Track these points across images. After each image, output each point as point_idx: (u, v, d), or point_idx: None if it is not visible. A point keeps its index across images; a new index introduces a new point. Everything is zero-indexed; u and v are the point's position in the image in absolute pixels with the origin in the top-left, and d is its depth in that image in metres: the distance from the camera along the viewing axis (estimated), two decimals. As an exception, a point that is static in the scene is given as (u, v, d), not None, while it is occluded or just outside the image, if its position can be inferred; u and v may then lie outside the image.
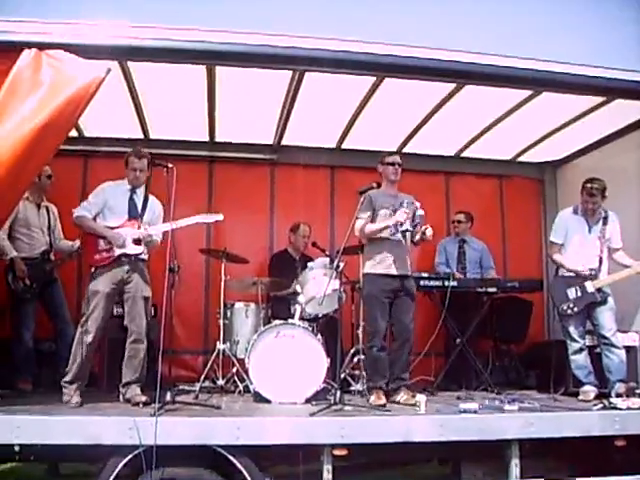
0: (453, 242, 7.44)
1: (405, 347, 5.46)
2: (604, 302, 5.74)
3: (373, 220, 5.50)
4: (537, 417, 4.68)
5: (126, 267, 5.15)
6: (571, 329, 5.82)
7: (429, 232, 5.36)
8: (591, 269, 5.78)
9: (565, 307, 5.83)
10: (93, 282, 5.06)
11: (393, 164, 5.60)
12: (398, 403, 5.24)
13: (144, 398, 4.83)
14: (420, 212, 5.35)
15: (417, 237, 5.46)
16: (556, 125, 6.91)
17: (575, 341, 5.81)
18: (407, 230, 5.34)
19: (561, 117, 6.68)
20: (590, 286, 5.73)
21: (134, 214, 5.27)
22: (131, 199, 5.31)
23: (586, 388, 5.69)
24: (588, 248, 5.86)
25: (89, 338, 4.96)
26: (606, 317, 5.73)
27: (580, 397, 5.64)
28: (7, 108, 4.41)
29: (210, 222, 5.54)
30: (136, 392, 4.97)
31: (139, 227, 5.22)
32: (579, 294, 5.78)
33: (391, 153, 5.82)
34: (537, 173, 8.31)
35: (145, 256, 5.30)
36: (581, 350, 5.80)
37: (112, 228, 5.16)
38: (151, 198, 5.42)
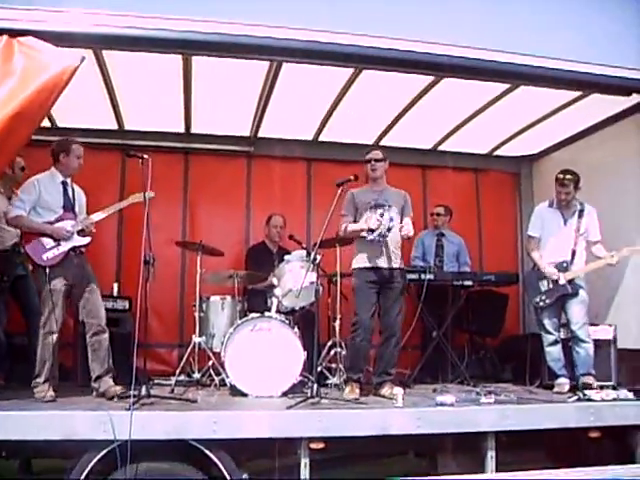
0: (431, 235, 7.45)
1: (391, 341, 5.43)
2: (576, 294, 5.78)
3: (356, 219, 5.49)
4: (513, 409, 4.72)
5: (75, 260, 5.06)
6: (545, 321, 5.87)
7: (404, 231, 5.34)
8: (563, 261, 5.82)
9: (538, 300, 5.87)
10: (49, 282, 4.89)
11: (369, 161, 5.57)
12: (383, 397, 5.22)
13: (118, 388, 4.77)
14: (390, 215, 5.26)
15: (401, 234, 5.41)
16: (532, 119, 6.94)
17: (549, 333, 5.86)
18: (380, 236, 5.27)
19: (537, 111, 6.71)
20: (561, 278, 5.77)
21: (68, 207, 5.16)
22: (65, 191, 5.19)
23: (560, 380, 5.75)
24: (562, 241, 5.90)
25: (53, 338, 4.87)
26: (575, 310, 5.78)
27: (555, 389, 5.71)
28: (-22, 97, 4.31)
29: (143, 201, 5.08)
30: (109, 384, 4.91)
31: (75, 219, 5.12)
32: (551, 286, 5.83)
33: (371, 148, 5.78)
34: (513, 167, 8.35)
35: (84, 249, 5.20)
36: (555, 342, 5.85)
37: (50, 223, 5.04)
38: (76, 188, 5.33)
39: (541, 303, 5.85)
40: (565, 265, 5.82)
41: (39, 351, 4.88)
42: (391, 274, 5.42)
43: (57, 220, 5.06)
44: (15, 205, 5.05)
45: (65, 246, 5.01)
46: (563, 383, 5.71)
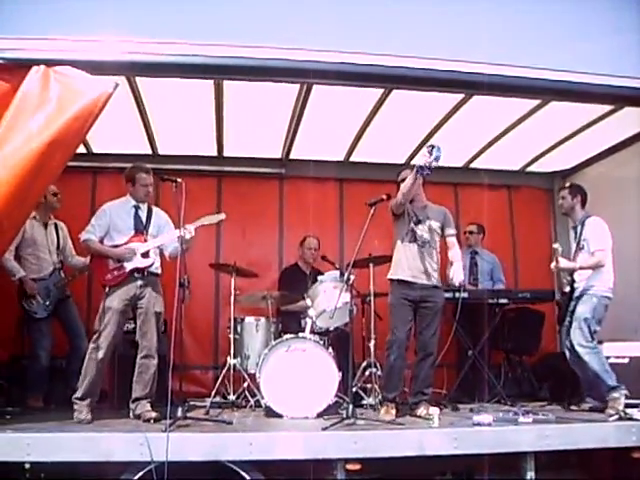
0: (465, 254, 7.37)
1: (426, 361, 5.36)
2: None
3: (399, 234, 5.44)
4: (552, 429, 4.64)
5: (139, 282, 5.15)
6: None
7: (456, 278, 5.40)
8: None
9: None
10: (106, 299, 5.05)
11: (402, 180, 5.48)
12: (419, 417, 5.16)
13: (154, 414, 4.82)
14: (435, 154, 4.79)
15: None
16: (565, 134, 6.88)
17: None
18: (429, 166, 4.83)
19: (569, 126, 6.65)
20: None
21: (140, 229, 5.28)
22: (136, 214, 5.32)
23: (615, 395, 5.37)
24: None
25: (100, 354, 4.95)
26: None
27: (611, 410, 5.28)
28: (16, 125, 4.43)
29: (215, 223, 5.49)
30: (146, 408, 4.95)
31: (145, 240, 5.23)
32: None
33: (402, 169, 5.72)
34: (546, 183, 8.26)
35: (158, 270, 5.31)
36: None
37: (119, 246, 5.16)
38: (155, 210, 5.44)
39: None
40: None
41: (84, 365, 4.98)
42: (429, 291, 5.38)
43: (128, 241, 5.19)
44: (86, 230, 5.22)
45: (127, 267, 5.11)
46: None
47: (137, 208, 5.33)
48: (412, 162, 5.17)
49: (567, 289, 5.72)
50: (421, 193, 5.58)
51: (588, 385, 5.59)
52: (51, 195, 5.99)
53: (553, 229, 8.18)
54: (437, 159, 4.77)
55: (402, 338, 5.29)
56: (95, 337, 4.99)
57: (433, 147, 4.76)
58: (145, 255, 5.19)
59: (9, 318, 5.94)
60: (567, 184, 5.88)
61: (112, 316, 5.00)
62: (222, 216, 5.44)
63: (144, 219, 5.34)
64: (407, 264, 5.36)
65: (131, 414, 5.01)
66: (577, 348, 5.46)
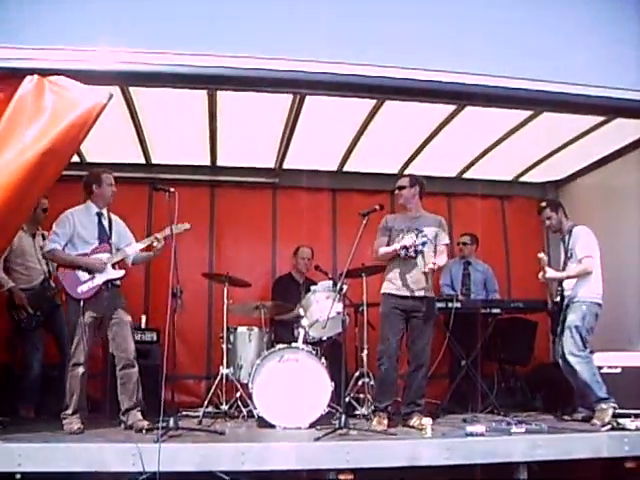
0: (458, 264, 7.43)
1: (419, 372, 5.36)
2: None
3: (389, 243, 5.46)
4: (545, 439, 4.64)
5: (106, 294, 5.09)
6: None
7: (435, 265, 5.33)
8: None
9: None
10: (76, 313, 4.94)
11: (393, 191, 5.60)
12: (411, 427, 5.15)
13: (146, 423, 4.79)
14: (422, 240, 5.22)
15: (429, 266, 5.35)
16: (557, 145, 6.92)
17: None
18: (416, 252, 5.23)
19: (562, 137, 6.68)
20: None
21: (104, 237, 5.22)
22: (100, 222, 5.25)
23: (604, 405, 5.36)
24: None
25: (81, 370, 4.91)
26: None
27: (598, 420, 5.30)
28: (10, 135, 4.43)
29: (179, 232, 5.25)
30: (137, 417, 4.93)
31: (111, 250, 5.19)
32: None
33: (401, 175, 5.78)
34: (539, 193, 8.28)
35: (119, 282, 5.24)
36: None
37: (83, 255, 5.09)
38: (113, 217, 5.39)
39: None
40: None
41: (67, 383, 4.93)
42: (421, 302, 5.38)
43: (93, 252, 5.13)
44: (50, 239, 5.13)
45: (100, 279, 5.05)
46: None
47: (100, 215, 5.26)
48: (401, 243, 5.26)
49: (557, 299, 5.73)
50: (416, 203, 5.60)
51: (580, 394, 5.60)
52: (41, 210, 5.95)
53: (546, 239, 8.18)
54: (423, 244, 5.19)
55: (393, 348, 5.29)
56: (72, 354, 4.92)
57: (421, 234, 5.24)
58: (113, 266, 5.16)
59: (1, 328, 5.91)
60: (543, 204, 5.88)
61: (86, 331, 4.92)
62: (187, 226, 5.32)
63: (107, 227, 5.28)
64: (398, 276, 5.37)
65: (122, 426, 4.99)
66: (568, 357, 5.47)
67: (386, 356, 5.28)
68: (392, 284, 5.39)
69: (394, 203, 5.72)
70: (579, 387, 5.52)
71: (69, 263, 5.07)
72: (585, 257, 5.60)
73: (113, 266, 5.16)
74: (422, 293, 5.38)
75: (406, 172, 7.55)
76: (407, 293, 5.35)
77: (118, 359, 5.06)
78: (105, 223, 5.28)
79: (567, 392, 5.94)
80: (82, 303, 4.95)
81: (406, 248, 5.22)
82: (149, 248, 5.28)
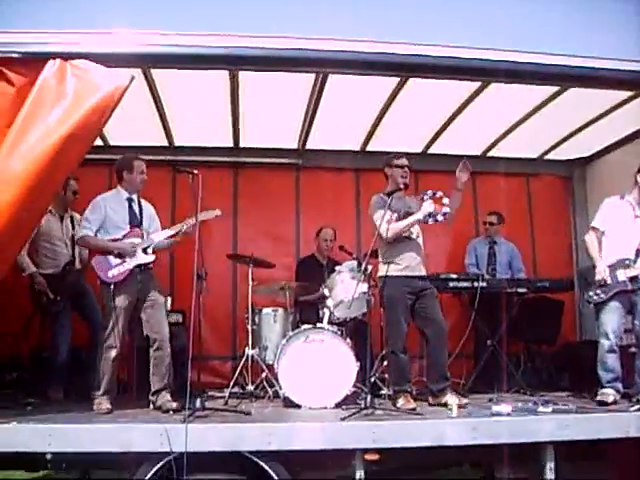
0: (483, 243, 7.37)
1: (441, 343, 5.33)
2: None
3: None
4: (572, 419, 4.59)
5: (139, 277, 5.13)
6: (604, 323, 5.40)
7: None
8: (626, 259, 5.43)
9: (591, 293, 5.45)
10: (112, 298, 5.01)
11: (402, 167, 5.48)
12: (445, 405, 5.05)
13: (175, 404, 4.82)
14: (446, 200, 5.22)
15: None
16: (584, 121, 6.80)
17: (607, 338, 5.36)
18: (441, 218, 5.21)
19: (589, 113, 6.57)
20: (622, 274, 5.37)
21: (135, 222, 5.26)
22: (130, 207, 5.29)
23: (606, 390, 5.29)
24: (629, 238, 5.49)
25: (114, 353, 4.98)
26: None
27: (598, 398, 5.28)
28: (33, 119, 4.44)
29: (210, 218, 5.32)
30: (167, 398, 4.96)
31: (142, 235, 5.22)
32: (608, 281, 5.40)
33: (399, 155, 5.62)
34: (565, 171, 8.18)
35: (151, 265, 5.27)
36: (612, 350, 5.36)
37: (115, 240, 5.14)
38: (144, 203, 5.42)
39: (595, 297, 5.43)
40: (628, 262, 5.41)
41: (99, 365, 4.99)
42: (425, 281, 5.40)
43: (124, 236, 5.17)
44: (82, 225, 5.19)
45: (130, 263, 5.09)
46: (608, 393, 5.26)
47: (130, 201, 5.30)
48: (423, 209, 5.21)
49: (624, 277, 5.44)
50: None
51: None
52: (71, 192, 6.00)
53: (572, 217, 8.10)
54: (445, 215, 5.18)
55: (405, 331, 5.29)
56: (106, 337, 4.98)
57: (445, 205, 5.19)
58: (145, 251, 5.19)
59: (28, 311, 5.98)
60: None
61: (120, 314, 4.99)
62: (218, 212, 5.33)
63: (138, 213, 5.31)
64: (404, 257, 5.34)
65: (151, 406, 5.04)
66: None
67: (401, 341, 5.28)
68: (399, 265, 5.34)
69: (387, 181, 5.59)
70: None
71: (101, 248, 5.13)
72: None
73: (145, 250, 5.19)
74: (425, 272, 5.42)
75: (430, 151, 7.53)
76: (415, 273, 5.34)
77: (152, 340, 5.10)
78: (136, 208, 5.32)
79: (593, 372, 5.88)
80: (112, 287, 5.00)
81: (430, 215, 5.18)
82: (175, 235, 5.29)
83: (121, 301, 5.02)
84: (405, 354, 5.31)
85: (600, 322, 5.48)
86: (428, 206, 5.23)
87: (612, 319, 5.42)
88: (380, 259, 5.50)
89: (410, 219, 5.32)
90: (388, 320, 5.44)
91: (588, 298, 5.53)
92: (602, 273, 5.43)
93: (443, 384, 5.30)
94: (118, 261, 5.08)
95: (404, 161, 5.53)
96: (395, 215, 5.35)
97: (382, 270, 5.42)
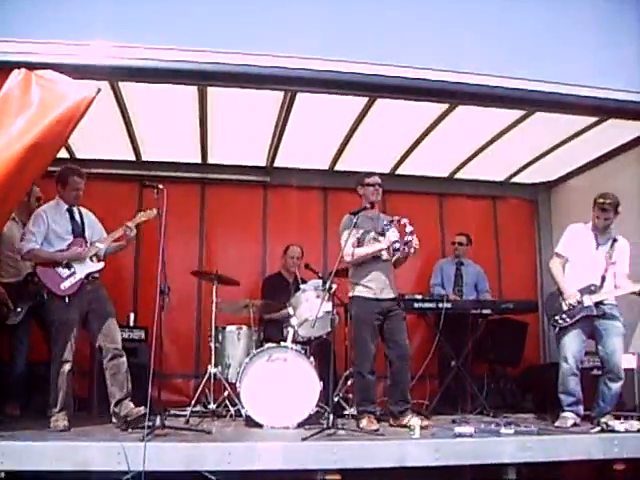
0: (450, 264, 7.41)
1: (405, 367, 5.33)
2: (608, 318, 5.42)
3: (360, 244, 5.38)
4: (534, 440, 4.60)
5: (88, 287, 5.06)
6: (566, 347, 5.46)
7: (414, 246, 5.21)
8: (592, 285, 5.49)
9: (557, 318, 5.50)
10: (60, 311, 4.92)
11: (373, 185, 5.49)
12: (406, 426, 5.04)
13: (141, 408, 4.69)
14: (409, 228, 5.19)
15: (401, 255, 5.31)
16: (549, 146, 6.91)
17: (566, 362, 5.42)
18: (399, 249, 5.21)
19: (554, 137, 6.68)
20: (587, 299, 5.43)
21: (77, 232, 5.19)
22: (72, 218, 5.22)
23: (566, 414, 5.35)
24: (593, 265, 5.56)
25: (67, 367, 4.87)
26: (616, 342, 5.36)
27: (557, 423, 5.32)
28: (-4, 128, 4.37)
29: (149, 219, 5.19)
30: (131, 406, 4.87)
31: (86, 244, 5.15)
32: (573, 306, 5.45)
33: (370, 174, 5.62)
34: (531, 194, 8.29)
35: (98, 274, 5.19)
36: (573, 374, 5.40)
37: (62, 251, 5.05)
38: (84, 211, 5.35)
39: (560, 321, 5.47)
40: (593, 289, 5.48)
41: (54, 380, 4.88)
42: (393, 303, 5.38)
43: (68, 247, 5.09)
44: (26, 239, 5.06)
45: (80, 273, 5.02)
46: (568, 417, 5.32)
47: (70, 211, 5.23)
48: (387, 238, 5.23)
49: (588, 303, 5.49)
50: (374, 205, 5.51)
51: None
52: (34, 199, 5.89)
53: (537, 240, 8.20)
54: (407, 244, 5.16)
55: (372, 352, 5.26)
56: (59, 351, 4.87)
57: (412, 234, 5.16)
58: (91, 259, 5.13)
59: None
60: (608, 196, 5.60)
61: (71, 328, 4.90)
62: (154, 212, 5.07)
63: (79, 222, 5.25)
64: (374, 279, 5.33)
65: (114, 419, 4.93)
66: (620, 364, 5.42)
67: (367, 362, 5.24)
68: (367, 287, 5.33)
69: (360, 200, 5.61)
70: (613, 394, 5.38)
71: (49, 260, 5.03)
72: (626, 275, 5.58)
73: (91, 259, 5.14)
74: (394, 293, 5.40)
75: (398, 172, 7.57)
76: (383, 295, 5.32)
77: (106, 350, 5.00)
78: (77, 218, 5.25)
79: (556, 394, 5.92)
80: (68, 299, 4.92)
81: (396, 244, 5.18)
82: (121, 238, 5.24)
83: (70, 314, 4.93)
84: (372, 375, 5.28)
85: (561, 346, 5.54)
86: (392, 234, 5.23)
87: (573, 343, 5.48)
88: (350, 279, 5.48)
89: (374, 247, 5.33)
90: (355, 340, 5.43)
91: (554, 322, 5.58)
92: (573, 297, 5.48)
93: (404, 406, 5.30)
94: (67, 272, 5.00)
95: (375, 179, 5.53)
96: (369, 234, 5.36)
97: (351, 290, 5.42)
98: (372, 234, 5.40)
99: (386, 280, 5.36)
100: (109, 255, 5.35)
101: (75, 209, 5.27)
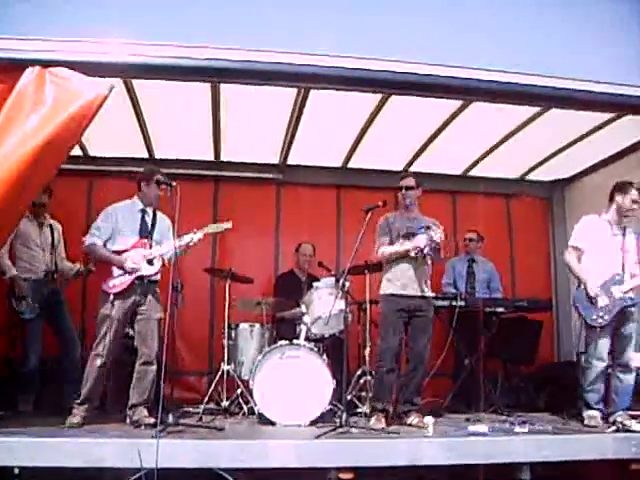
0: (462, 261, 7.37)
1: (418, 371, 5.32)
2: (632, 312, 5.30)
3: (392, 243, 5.39)
4: (548, 439, 4.57)
5: (139, 289, 5.07)
6: (599, 345, 5.27)
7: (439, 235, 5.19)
8: (616, 274, 5.35)
9: (595, 317, 5.29)
10: (105, 306, 4.97)
11: (401, 188, 5.49)
12: (410, 425, 5.10)
13: (152, 420, 4.72)
14: (438, 237, 5.15)
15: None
16: (564, 143, 6.85)
17: (601, 360, 5.27)
18: (427, 255, 5.24)
19: (569, 135, 6.62)
20: (617, 291, 5.29)
21: (145, 234, 5.20)
22: (142, 219, 5.24)
23: (594, 413, 5.27)
24: (611, 253, 5.44)
25: (100, 362, 4.89)
26: (632, 328, 5.30)
27: (586, 422, 5.25)
28: (10, 126, 4.37)
29: (220, 232, 5.39)
30: (144, 414, 4.89)
31: (150, 246, 5.15)
32: (607, 301, 5.29)
33: (405, 175, 5.64)
34: (545, 192, 8.23)
35: (157, 277, 5.22)
36: (603, 373, 5.29)
37: (123, 251, 5.07)
38: (159, 215, 5.36)
39: (600, 320, 5.27)
40: (619, 278, 5.33)
41: (85, 371, 4.94)
42: (423, 301, 5.34)
43: (132, 247, 5.10)
44: (91, 233, 5.12)
45: (132, 275, 5.03)
46: (596, 416, 5.24)
47: (144, 212, 5.26)
48: (414, 242, 5.24)
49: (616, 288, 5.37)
50: (414, 204, 5.53)
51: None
52: (47, 196, 5.91)
53: (552, 238, 8.14)
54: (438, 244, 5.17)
55: (395, 349, 5.25)
56: (96, 345, 4.92)
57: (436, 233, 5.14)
58: (150, 262, 5.11)
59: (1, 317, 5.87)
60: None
61: (113, 324, 4.92)
62: (229, 225, 5.30)
63: (149, 224, 5.26)
64: (399, 276, 5.32)
65: (128, 420, 4.95)
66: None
67: (386, 357, 5.23)
68: (394, 284, 5.33)
69: (397, 201, 5.62)
70: (629, 387, 5.31)
71: (103, 260, 5.10)
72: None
73: (151, 262, 5.12)
74: (424, 292, 5.35)
75: (411, 169, 7.53)
76: (410, 292, 5.29)
77: (140, 354, 5.04)
78: (148, 220, 5.26)
79: (571, 392, 5.88)
80: (112, 297, 4.96)
81: (420, 249, 5.18)
82: (187, 246, 5.19)
83: (114, 311, 4.95)
84: (390, 372, 5.25)
85: (597, 344, 5.33)
86: (420, 240, 5.21)
87: (606, 342, 5.34)
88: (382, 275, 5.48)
89: (400, 248, 5.31)
90: (379, 335, 5.40)
91: (592, 322, 5.34)
92: (594, 290, 5.35)
93: (407, 407, 5.29)
94: (120, 272, 5.03)
95: (405, 182, 5.51)
96: (401, 234, 5.36)
97: (381, 287, 5.42)
98: (402, 233, 5.37)
99: (412, 276, 5.31)
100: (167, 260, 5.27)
101: (150, 210, 5.28)
